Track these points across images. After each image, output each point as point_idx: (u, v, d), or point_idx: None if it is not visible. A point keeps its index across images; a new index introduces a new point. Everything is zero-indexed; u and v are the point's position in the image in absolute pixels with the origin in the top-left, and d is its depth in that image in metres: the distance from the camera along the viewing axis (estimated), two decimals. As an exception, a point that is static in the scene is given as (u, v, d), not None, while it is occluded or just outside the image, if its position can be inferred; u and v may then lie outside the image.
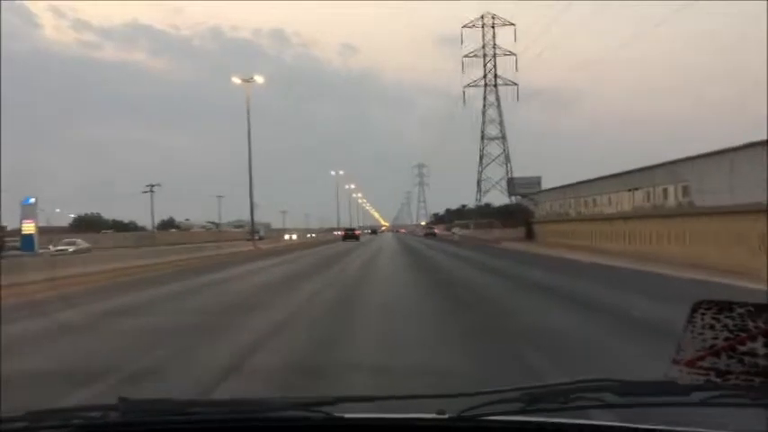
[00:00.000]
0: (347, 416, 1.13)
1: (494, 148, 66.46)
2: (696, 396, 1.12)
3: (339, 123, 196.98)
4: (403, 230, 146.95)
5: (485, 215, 61.90)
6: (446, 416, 1.13)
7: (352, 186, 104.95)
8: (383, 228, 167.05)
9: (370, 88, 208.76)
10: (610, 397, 1.13)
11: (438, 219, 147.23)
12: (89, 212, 75.31)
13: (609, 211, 35.72)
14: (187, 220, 78.75)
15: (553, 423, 1.13)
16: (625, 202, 34.20)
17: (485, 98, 64.97)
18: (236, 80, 36.04)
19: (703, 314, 1.18)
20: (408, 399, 1.25)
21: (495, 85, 64.69)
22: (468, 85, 64.21)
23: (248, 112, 34.99)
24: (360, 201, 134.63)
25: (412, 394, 1.22)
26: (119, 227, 74.37)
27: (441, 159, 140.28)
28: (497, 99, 65.68)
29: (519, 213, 50.07)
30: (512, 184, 62.33)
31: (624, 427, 1.13)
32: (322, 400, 1.15)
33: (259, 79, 36.62)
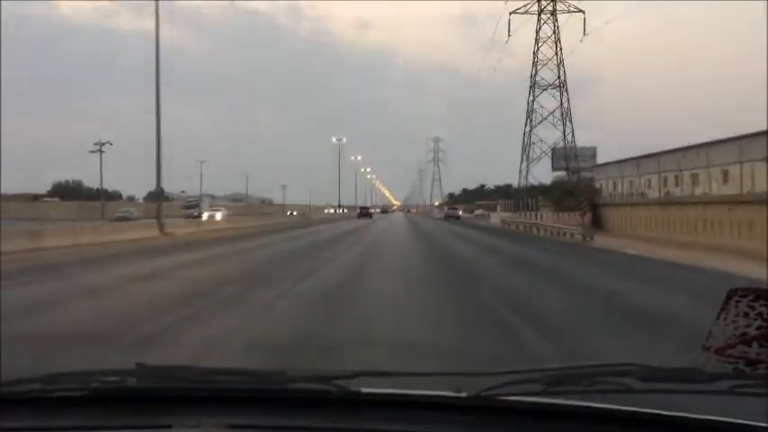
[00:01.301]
0: (364, 390, 1.21)
1: (546, 101, 50.79)
2: (722, 384, 1.18)
3: (351, 99, 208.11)
4: (415, 210, 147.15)
5: (531, 193, 48.08)
6: (464, 394, 1.20)
7: (359, 158, 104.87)
8: (394, 207, 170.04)
9: (384, 63, 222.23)
10: (633, 382, 1.19)
11: (454, 199, 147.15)
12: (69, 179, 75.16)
13: (700, 190, 31.60)
14: (183, 192, 79.68)
15: (575, 406, 1.19)
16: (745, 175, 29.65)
17: (539, 19, 49.25)
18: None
19: (738, 301, 1.23)
20: (426, 376, 1.32)
21: (555, 12, 48.87)
22: (516, 12, 49.25)
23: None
24: (369, 176, 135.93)
25: (430, 371, 1.29)
26: (66, 192, 71.46)
27: (457, 137, 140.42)
28: (555, 28, 49.16)
29: (579, 193, 37.57)
30: (557, 156, 49.89)
31: (646, 412, 1.19)
32: (340, 374, 1.23)
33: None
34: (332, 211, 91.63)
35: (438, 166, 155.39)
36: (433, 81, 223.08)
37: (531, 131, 51.34)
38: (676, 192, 38.91)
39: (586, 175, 45.90)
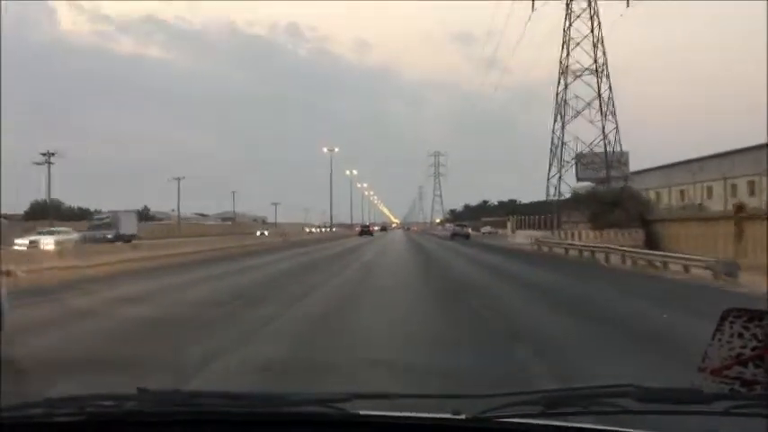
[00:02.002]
0: (362, 413, 1.27)
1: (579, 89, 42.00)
2: (719, 405, 1.24)
3: (351, 119, 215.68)
4: (415, 228, 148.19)
5: (562, 206, 42.07)
6: (462, 416, 1.26)
7: (354, 172, 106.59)
8: (394, 225, 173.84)
9: (385, 83, 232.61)
10: (631, 403, 1.26)
11: (456, 216, 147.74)
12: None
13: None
14: (173, 210, 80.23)
15: (572, 428, 1.25)
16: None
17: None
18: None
19: (732, 322, 1.31)
20: (424, 398, 1.39)
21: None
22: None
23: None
24: (367, 193, 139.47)
25: (427, 393, 1.35)
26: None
27: (458, 155, 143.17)
28: (593, 5, 40.71)
29: (624, 205, 32.11)
30: (585, 163, 41.47)
31: None
32: (337, 397, 1.29)
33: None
34: (314, 230, 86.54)
35: (439, 182, 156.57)
36: (432, 99, 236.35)
37: (563, 128, 42.02)
38: (752, 202, 30.11)
39: (618, 184, 38.23)
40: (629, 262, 18.87)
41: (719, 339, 1.32)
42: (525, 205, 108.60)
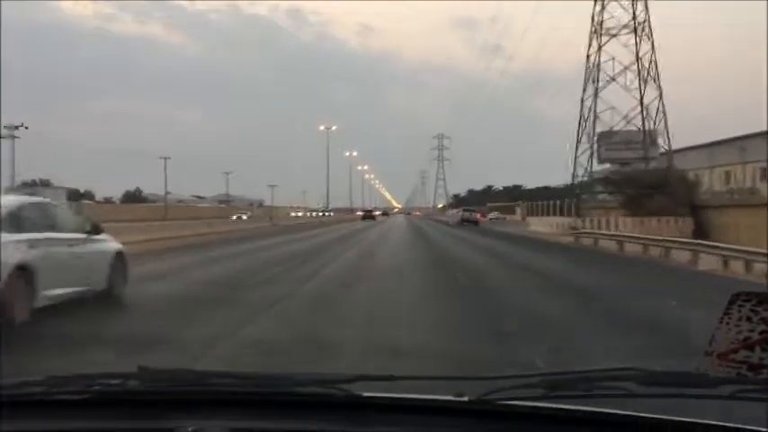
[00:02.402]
0: (367, 394, 1.31)
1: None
2: (725, 389, 1.27)
3: (353, 103, 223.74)
4: (417, 213, 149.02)
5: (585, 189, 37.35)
6: (465, 398, 1.30)
7: (354, 154, 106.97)
8: (395, 210, 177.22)
9: (387, 68, 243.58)
10: (635, 386, 1.29)
11: (459, 200, 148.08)
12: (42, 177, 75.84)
13: None
14: (169, 192, 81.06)
15: (575, 410, 1.28)
16: None
17: None
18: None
19: (741, 306, 1.34)
20: (427, 380, 1.42)
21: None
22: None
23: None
24: (367, 176, 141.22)
25: (431, 375, 1.39)
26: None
27: (460, 140, 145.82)
28: None
29: (669, 189, 27.87)
30: (607, 141, 35.73)
31: (648, 417, 1.28)
32: (342, 378, 1.33)
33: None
34: (300, 213, 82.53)
35: (442, 165, 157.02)
36: (435, 83, 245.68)
37: (596, 96, 35.60)
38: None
39: (653, 165, 33.41)
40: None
41: (727, 323, 1.34)
42: (531, 190, 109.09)
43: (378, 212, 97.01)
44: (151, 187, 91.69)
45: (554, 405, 1.29)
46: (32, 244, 5.97)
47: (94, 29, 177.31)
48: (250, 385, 1.38)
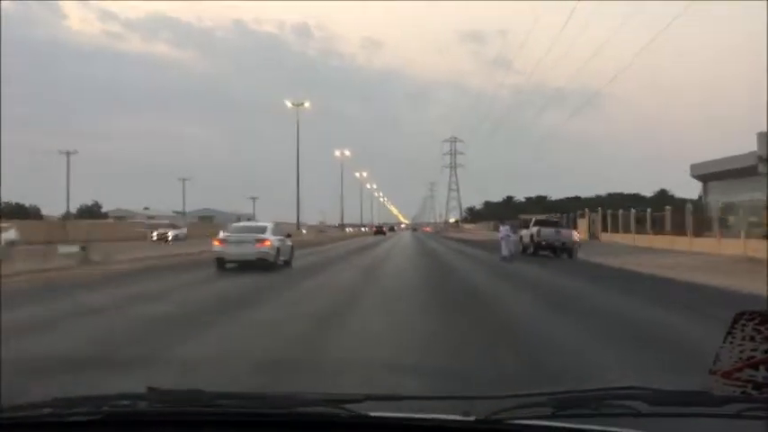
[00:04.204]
0: (373, 414, 1.52)
1: None
2: (730, 408, 1.47)
3: (359, 118, 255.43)
4: (428, 229, 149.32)
5: None
6: (472, 418, 1.50)
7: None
8: (403, 225, 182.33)
9: (393, 83, 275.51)
10: (641, 405, 1.49)
11: (474, 214, 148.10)
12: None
13: None
14: (145, 208, 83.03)
15: (583, 430, 1.49)
16: None
17: None
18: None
19: (744, 325, 1.55)
20: (434, 399, 1.63)
21: None
22: None
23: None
24: (376, 194, 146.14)
25: (438, 395, 1.60)
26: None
27: (469, 153, 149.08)
28: None
29: None
30: None
31: None
32: (349, 398, 1.54)
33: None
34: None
35: (456, 173, 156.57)
36: (441, 98, 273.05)
37: None
38: None
39: None
40: None
41: (731, 342, 1.55)
42: (560, 201, 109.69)
43: (386, 228, 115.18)
44: (152, 203, 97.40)
45: (561, 424, 1.49)
46: (276, 240, 20.77)
47: (103, 47, 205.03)
48: (257, 406, 1.59)
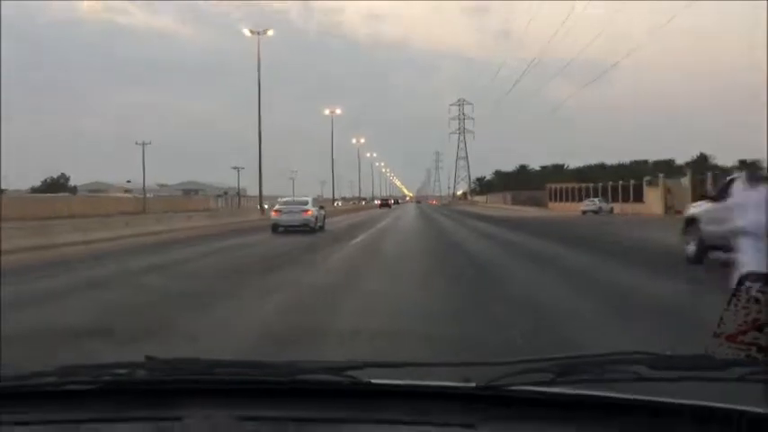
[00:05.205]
0: (374, 381, 1.65)
1: None
2: (734, 371, 1.60)
3: (363, 91, 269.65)
4: (434, 202, 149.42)
5: None
6: (473, 384, 1.64)
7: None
8: (408, 198, 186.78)
9: (397, 55, 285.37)
10: (644, 370, 1.62)
11: (484, 185, 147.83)
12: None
13: None
14: (128, 181, 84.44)
15: (584, 395, 1.62)
16: None
17: None
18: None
19: (749, 287, 1.67)
20: (435, 366, 1.77)
21: None
22: None
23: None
24: (377, 164, 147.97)
25: (439, 361, 1.73)
26: None
27: (474, 124, 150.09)
28: None
29: None
30: None
31: (657, 401, 1.61)
32: (349, 365, 1.67)
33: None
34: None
35: (464, 140, 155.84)
36: (445, 70, 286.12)
37: None
38: None
39: None
40: None
41: (735, 305, 1.67)
42: (581, 170, 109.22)
43: (391, 201, 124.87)
44: (118, 176, 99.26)
45: (563, 390, 1.62)
46: (316, 210, 29.96)
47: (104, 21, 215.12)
48: (257, 373, 1.73)
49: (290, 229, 27.82)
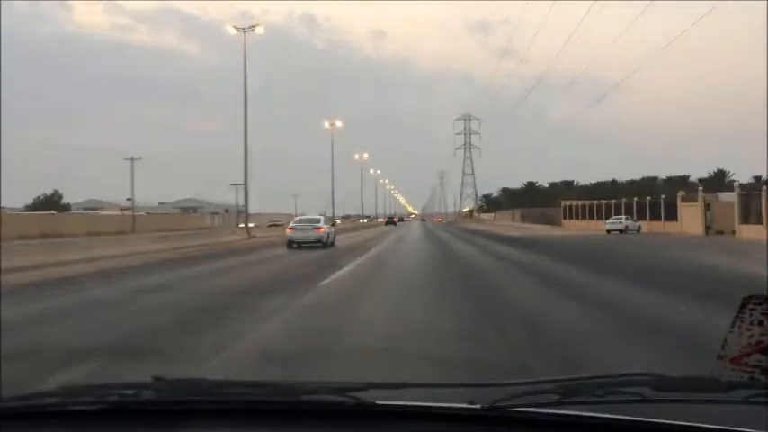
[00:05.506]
0: (379, 402, 1.70)
1: None
2: (738, 394, 1.64)
3: (367, 109, 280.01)
4: (439, 219, 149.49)
5: None
6: (478, 406, 1.68)
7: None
8: (412, 216, 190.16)
9: (400, 74, 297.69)
10: (648, 392, 1.67)
11: (491, 202, 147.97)
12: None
13: None
14: (127, 200, 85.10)
15: (589, 417, 1.67)
16: None
17: None
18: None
19: (753, 309, 1.72)
20: (439, 387, 1.82)
21: None
22: None
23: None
24: (381, 181, 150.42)
25: (443, 382, 1.78)
26: None
27: (483, 140, 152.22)
28: None
29: None
30: None
31: (662, 423, 1.66)
32: (354, 386, 1.72)
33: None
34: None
35: (470, 156, 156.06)
36: (449, 89, 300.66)
37: None
38: None
39: None
40: None
41: (739, 327, 1.72)
42: (590, 187, 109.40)
43: (396, 219, 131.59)
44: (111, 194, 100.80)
45: (567, 412, 1.67)
46: (328, 228, 33.91)
47: (111, 40, 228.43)
48: (262, 394, 1.78)
49: (304, 245, 30.60)
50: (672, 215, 52.13)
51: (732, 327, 1.74)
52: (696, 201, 47.73)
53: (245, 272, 19.17)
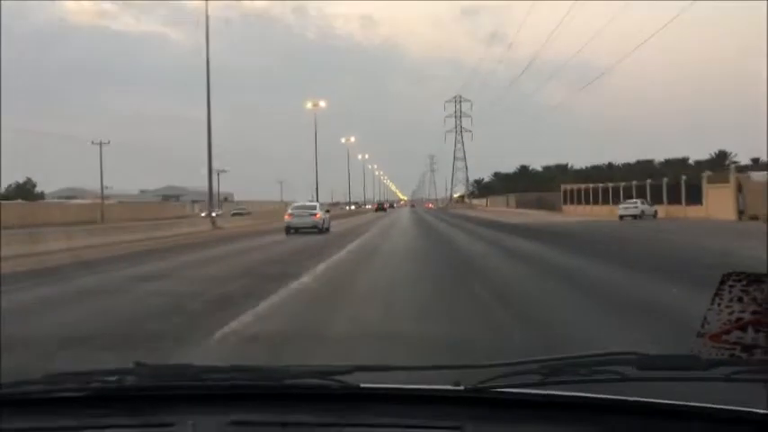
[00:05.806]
0: (364, 385, 1.76)
1: None
2: (719, 371, 1.70)
3: (357, 96, 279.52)
4: (430, 205, 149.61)
5: None
6: (462, 387, 1.74)
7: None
8: (401, 202, 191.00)
9: (391, 59, 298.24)
10: (630, 371, 1.73)
11: (483, 188, 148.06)
12: None
13: None
14: (108, 187, 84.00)
15: (571, 396, 1.73)
16: None
17: None
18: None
19: (732, 286, 1.77)
20: (425, 369, 1.88)
21: None
22: None
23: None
24: (369, 166, 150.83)
25: (428, 365, 1.84)
26: None
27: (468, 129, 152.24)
28: None
29: None
30: None
31: (644, 401, 1.72)
32: (340, 369, 1.78)
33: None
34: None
35: (461, 138, 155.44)
36: (439, 74, 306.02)
37: None
38: None
39: None
40: None
41: (718, 304, 1.78)
42: (587, 170, 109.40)
43: (387, 205, 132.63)
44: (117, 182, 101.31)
45: (551, 392, 1.73)
46: (323, 214, 36.68)
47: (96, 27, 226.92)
48: (247, 379, 1.83)
49: (302, 231, 33.40)
50: (695, 198, 47.15)
51: (712, 304, 1.80)
52: (727, 181, 42.04)
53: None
